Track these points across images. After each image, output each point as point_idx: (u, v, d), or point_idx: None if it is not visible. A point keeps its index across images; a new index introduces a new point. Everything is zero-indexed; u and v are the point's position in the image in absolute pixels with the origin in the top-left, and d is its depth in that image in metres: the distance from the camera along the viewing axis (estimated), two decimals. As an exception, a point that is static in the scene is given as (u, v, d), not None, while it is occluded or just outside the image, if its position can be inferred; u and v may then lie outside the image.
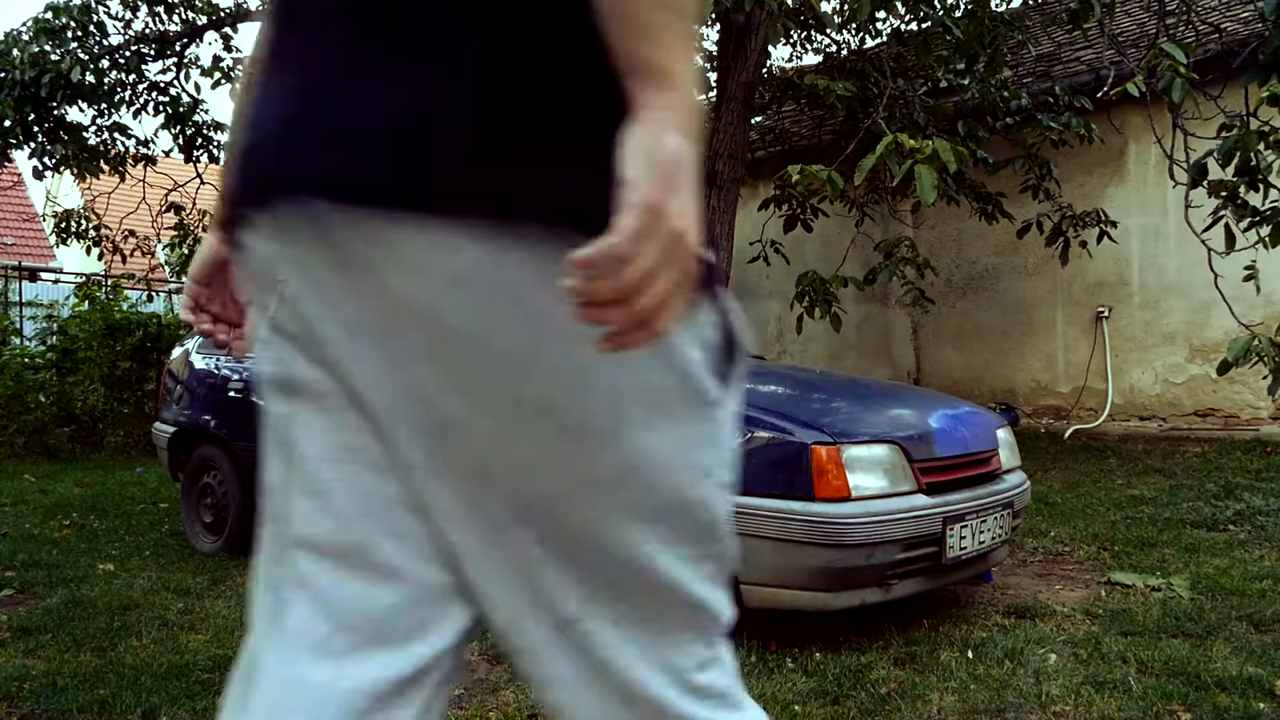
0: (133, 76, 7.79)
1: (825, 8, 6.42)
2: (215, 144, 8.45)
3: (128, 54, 7.59)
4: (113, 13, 7.57)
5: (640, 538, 0.86)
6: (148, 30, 7.72)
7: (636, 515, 0.86)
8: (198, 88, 8.39)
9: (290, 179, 0.83)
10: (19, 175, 14.51)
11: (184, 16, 7.82)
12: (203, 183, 8.93)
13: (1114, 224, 7.29)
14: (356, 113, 0.81)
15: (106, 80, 7.47)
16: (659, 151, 0.69)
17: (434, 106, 0.79)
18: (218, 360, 4.79)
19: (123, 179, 8.36)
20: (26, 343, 9.41)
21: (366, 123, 0.80)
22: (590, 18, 0.75)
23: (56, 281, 12.38)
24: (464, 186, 0.78)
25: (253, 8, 7.92)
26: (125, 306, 9.33)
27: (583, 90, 0.80)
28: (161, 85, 8.09)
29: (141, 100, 8.03)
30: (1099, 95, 5.76)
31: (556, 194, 0.78)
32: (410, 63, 0.81)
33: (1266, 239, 4.38)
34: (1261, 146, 4.20)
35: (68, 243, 9.28)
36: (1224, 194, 4.45)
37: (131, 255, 9.13)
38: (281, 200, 0.83)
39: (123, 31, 7.71)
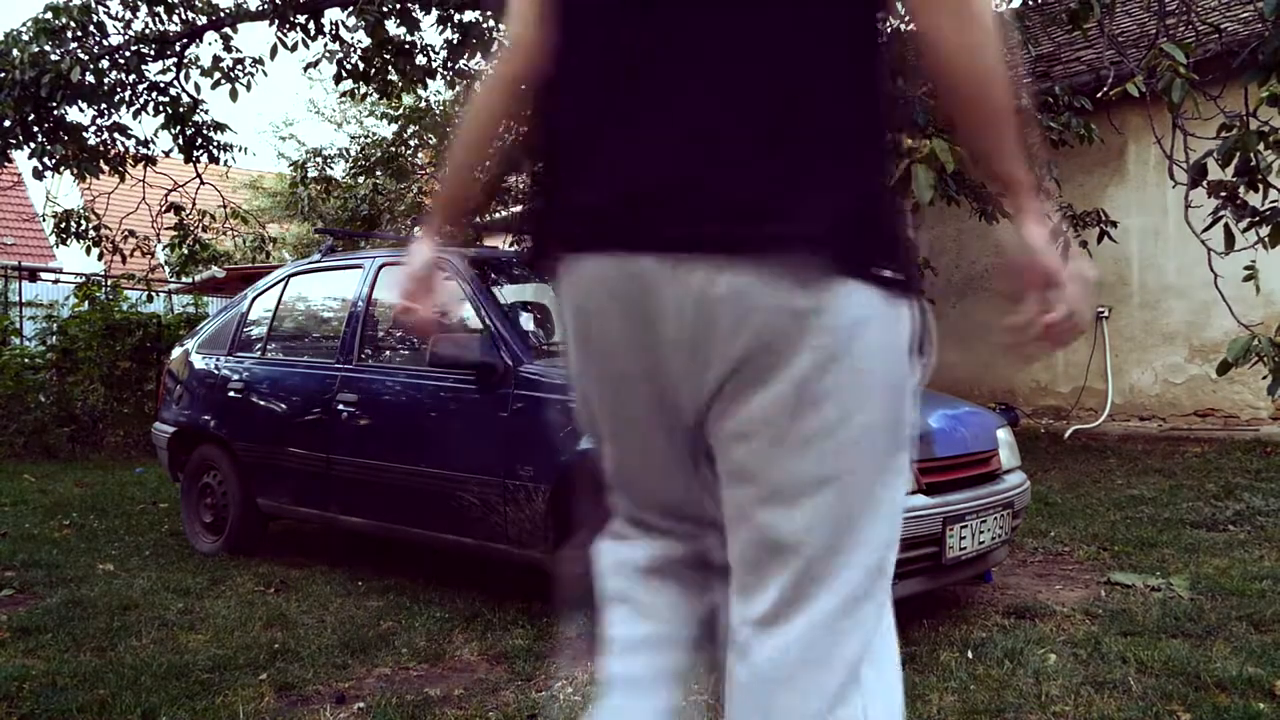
0: (132, 76, 7.77)
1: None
2: (215, 144, 8.43)
3: (127, 54, 7.58)
4: (112, 13, 7.55)
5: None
6: (147, 30, 7.70)
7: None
8: (197, 88, 8.33)
9: (651, 238, 1.07)
10: (19, 175, 14.50)
11: (184, 17, 7.81)
12: (202, 183, 8.92)
13: (1114, 224, 7.28)
14: (711, 180, 1.03)
15: (106, 80, 7.46)
16: (1046, 234, 1.12)
17: (789, 179, 1.03)
18: (217, 360, 4.79)
19: (122, 179, 8.35)
20: (26, 343, 9.40)
21: (724, 188, 1.03)
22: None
23: (56, 282, 12.37)
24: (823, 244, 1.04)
25: (252, 8, 7.92)
26: (125, 306, 9.33)
27: (882, 178, 1.11)
28: (161, 85, 8.08)
29: (141, 100, 8.01)
30: (1099, 95, 5.76)
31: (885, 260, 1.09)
32: (752, 142, 1.03)
33: (1266, 239, 4.37)
34: (1261, 147, 4.19)
35: (67, 243, 9.26)
36: (1223, 194, 4.44)
37: (131, 255, 9.12)
38: (630, 251, 1.08)
39: (122, 31, 7.70)
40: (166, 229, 9.72)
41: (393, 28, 7.47)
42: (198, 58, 8.19)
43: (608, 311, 1.13)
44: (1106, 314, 7.87)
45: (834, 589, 1.10)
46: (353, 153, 11.22)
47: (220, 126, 8.42)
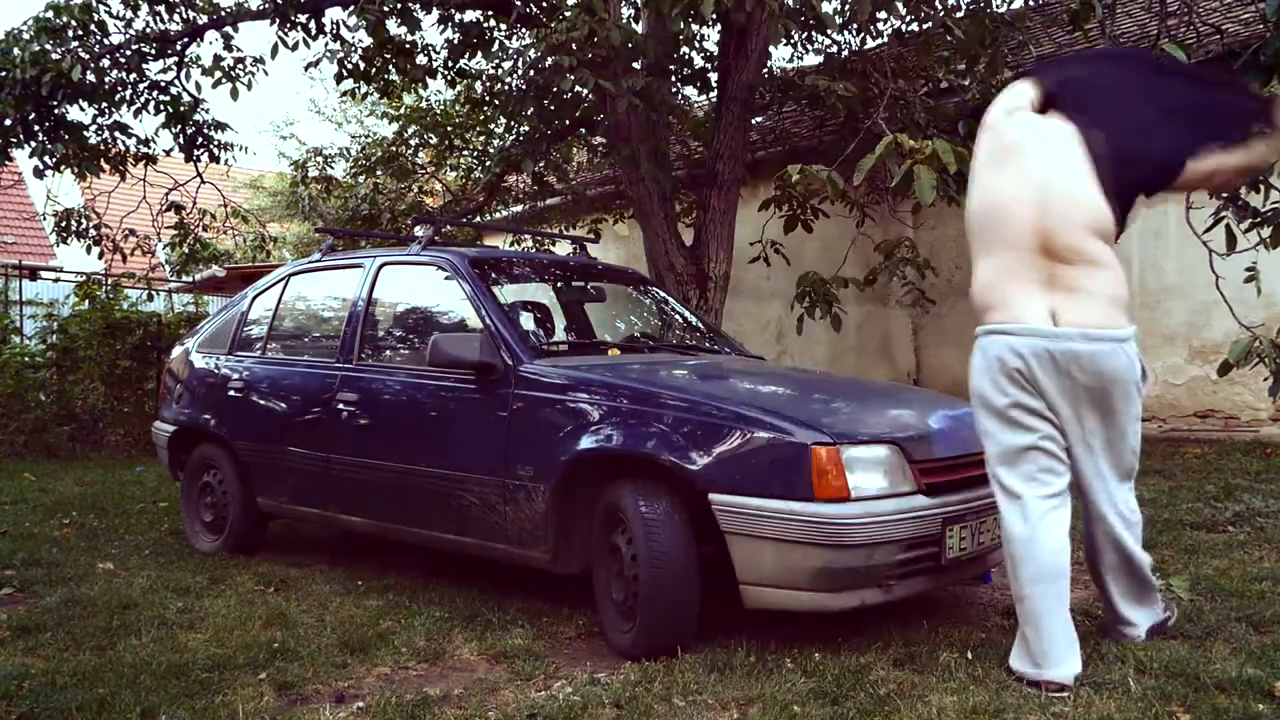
0: (133, 75, 7.77)
1: (826, 8, 6.41)
2: (215, 143, 8.43)
3: (128, 53, 7.58)
4: (113, 12, 7.54)
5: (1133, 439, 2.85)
6: (148, 29, 7.69)
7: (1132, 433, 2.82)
8: (198, 87, 8.30)
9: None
10: (19, 174, 14.50)
11: (185, 16, 7.80)
12: (203, 182, 8.92)
13: (1114, 225, 7.26)
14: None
15: (107, 79, 7.46)
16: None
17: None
18: (217, 359, 4.80)
19: (123, 178, 8.34)
20: (27, 341, 9.40)
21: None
22: None
23: (57, 280, 12.37)
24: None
25: (253, 7, 7.92)
26: (125, 305, 9.33)
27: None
28: (162, 84, 8.07)
29: (142, 99, 8.01)
30: (1099, 96, 5.75)
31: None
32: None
33: (1267, 240, 4.38)
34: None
35: (68, 242, 9.25)
36: (1225, 195, 4.45)
37: (132, 254, 9.11)
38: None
39: (123, 30, 7.69)
40: (167, 228, 9.72)
41: (393, 27, 7.47)
42: (198, 57, 8.19)
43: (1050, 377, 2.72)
44: (1107, 315, 7.86)
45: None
46: (353, 152, 11.20)
47: (221, 126, 8.41)
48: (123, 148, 8.27)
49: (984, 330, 2.80)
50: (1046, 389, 2.70)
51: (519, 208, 11.52)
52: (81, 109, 7.69)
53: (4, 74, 6.95)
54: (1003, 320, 2.74)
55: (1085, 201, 2.70)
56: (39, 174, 7.64)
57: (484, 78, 8.83)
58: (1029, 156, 2.78)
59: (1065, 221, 2.69)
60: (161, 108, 8.09)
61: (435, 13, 7.54)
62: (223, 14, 7.87)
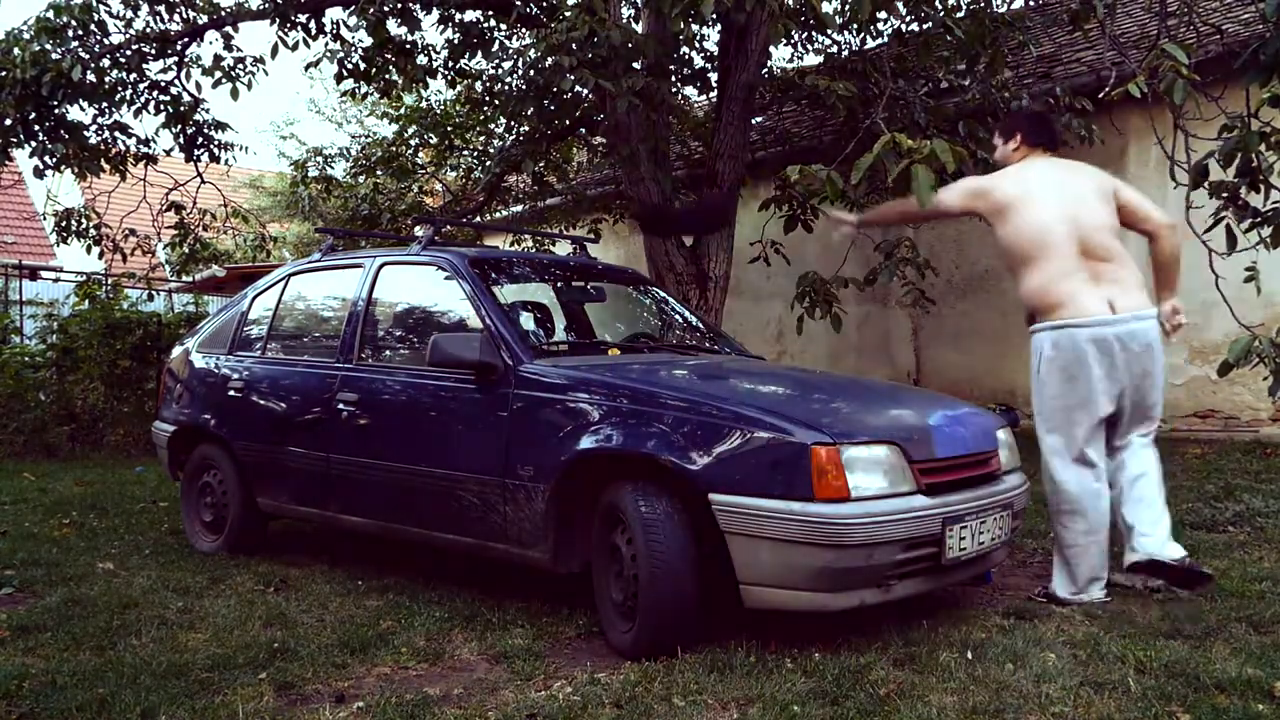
0: (133, 75, 7.77)
1: (826, 8, 6.40)
2: (215, 143, 8.42)
3: (129, 53, 7.57)
4: (114, 11, 7.54)
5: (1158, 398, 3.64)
6: (149, 29, 7.69)
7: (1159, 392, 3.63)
8: (199, 87, 8.28)
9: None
10: (19, 174, 14.50)
11: (185, 15, 7.80)
12: (203, 182, 8.91)
13: (1114, 225, 7.25)
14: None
15: (107, 79, 7.45)
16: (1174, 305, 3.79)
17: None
18: (217, 359, 4.80)
19: (123, 178, 8.34)
20: (27, 341, 9.40)
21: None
22: None
23: (57, 280, 12.38)
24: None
25: (253, 7, 7.92)
26: (125, 305, 9.33)
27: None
28: (162, 84, 8.07)
29: (142, 99, 8.01)
30: (1100, 96, 5.74)
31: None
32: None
33: (1267, 240, 4.37)
34: (1263, 147, 4.19)
35: (68, 241, 9.25)
36: (1225, 195, 4.44)
37: (132, 254, 9.10)
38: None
39: (124, 30, 7.69)
40: (167, 228, 9.72)
41: (393, 27, 7.47)
42: (199, 57, 8.19)
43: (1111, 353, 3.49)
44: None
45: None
46: (353, 152, 11.19)
47: (221, 125, 8.41)
48: (123, 148, 8.27)
49: (1050, 325, 3.49)
50: (1112, 366, 3.45)
51: (519, 208, 11.52)
52: (81, 109, 7.68)
53: (4, 74, 6.95)
54: (1071, 315, 3.46)
55: (1102, 212, 3.62)
56: (39, 174, 7.63)
57: (484, 78, 8.83)
58: (1053, 190, 3.66)
59: (1094, 229, 3.56)
60: (161, 108, 8.09)
61: (435, 13, 7.54)
62: (223, 14, 7.87)
